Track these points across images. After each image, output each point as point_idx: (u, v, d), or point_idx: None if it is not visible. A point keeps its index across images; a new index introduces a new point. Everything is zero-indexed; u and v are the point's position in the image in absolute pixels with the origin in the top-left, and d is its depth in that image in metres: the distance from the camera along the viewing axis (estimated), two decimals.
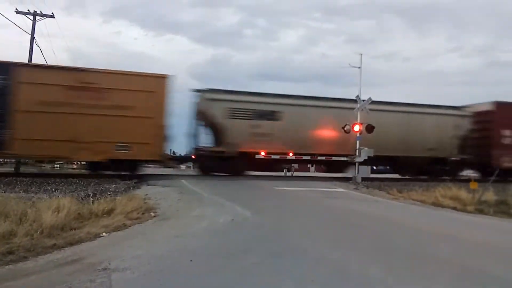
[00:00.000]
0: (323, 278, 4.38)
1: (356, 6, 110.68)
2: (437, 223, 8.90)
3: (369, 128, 18.63)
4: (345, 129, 18.71)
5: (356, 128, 18.47)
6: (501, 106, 22.77)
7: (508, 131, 22.76)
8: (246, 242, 6.20)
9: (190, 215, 8.63)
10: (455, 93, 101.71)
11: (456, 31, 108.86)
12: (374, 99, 19.10)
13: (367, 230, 7.56)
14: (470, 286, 4.32)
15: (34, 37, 24.52)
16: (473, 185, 12.57)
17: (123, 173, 16.88)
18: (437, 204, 11.75)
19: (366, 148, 18.44)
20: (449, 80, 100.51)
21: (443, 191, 12.88)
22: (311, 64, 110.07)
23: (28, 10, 24.73)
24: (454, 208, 11.08)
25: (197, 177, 18.57)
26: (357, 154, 18.48)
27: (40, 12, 25.02)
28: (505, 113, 22.60)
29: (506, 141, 22.67)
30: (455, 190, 12.81)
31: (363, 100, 18.84)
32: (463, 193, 12.41)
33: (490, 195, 12.28)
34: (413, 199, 12.83)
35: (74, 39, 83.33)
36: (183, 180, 15.67)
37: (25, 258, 4.99)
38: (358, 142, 18.62)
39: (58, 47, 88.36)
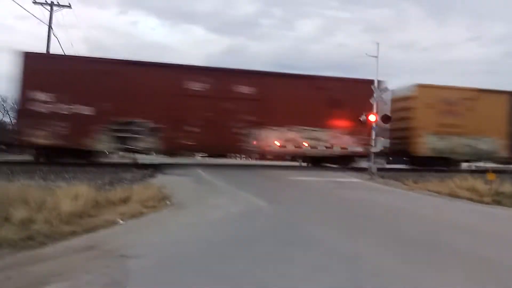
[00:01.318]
0: (336, 267, 4.39)
1: None
2: (453, 214, 8.80)
3: (385, 118, 18.42)
4: (361, 119, 18.53)
5: (372, 118, 18.27)
6: (30, 58, 16.35)
7: (42, 94, 16.42)
8: (259, 231, 6.24)
9: (205, 204, 8.71)
10: (475, 83, 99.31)
11: (476, 20, 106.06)
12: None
13: (381, 221, 7.53)
14: (487, 277, 4.27)
15: (52, 28, 24.85)
16: (491, 176, 12.36)
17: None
18: (453, 195, 11.59)
19: (382, 138, 18.25)
20: (468, 70, 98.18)
21: (459, 182, 12.69)
22: (328, 54, 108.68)
23: (46, 1, 25.01)
24: (471, 199, 10.91)
25: (211, 166, 18.68)
26: (372, 144, 18.31)
27: (58, 2, 25.30)
28: (38, 66, 16.38)
29: (41, 107, 16.39)
30: (471, 181, 12.62)
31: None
32: (479, 184, 12.21)
33: (507, 186, 12.06)
34: (429, 190, 12.67)
35: (92, 30, 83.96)
36: (199, 170, 15.79)
37: (44, 244, 5.12)
38: (374, 132, 18.44)
39: (76, 38, 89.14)
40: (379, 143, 18.16)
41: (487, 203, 10.38)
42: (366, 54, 19.33)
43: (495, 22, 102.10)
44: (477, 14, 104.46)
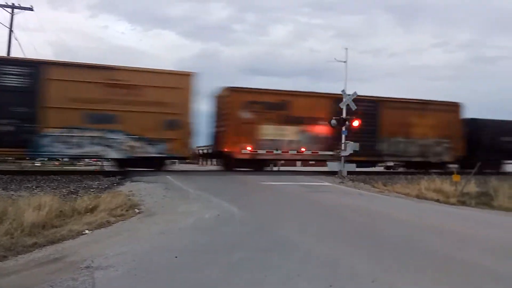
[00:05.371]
0: (311, 272, 4.35)
1: (345, 1, 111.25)
2: (421, 215, 8.98)
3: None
4: (331, 123, 18.74)
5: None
6: None
7: None
8: (232, 237, 6.13)
9: (176, 211, 8.52)
10: (441, 87, 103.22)
11: (442, 27, 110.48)
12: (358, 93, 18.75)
13: (353, 223, 7.59)
14: (456, 276, 4.34)
15: (12, 31, 23.93)
16: (456, 178, 12.75)
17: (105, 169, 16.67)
18: (421, 197, 11.89)
19: (351, 142, 18.51)
20: (435, 75, 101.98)
21: (427, 183, 13.04)
22: (300, 59, 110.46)
23: (6, 3, 24.10)
24: (437, 201, 11.23)
25: (182, 173, 18.41)
26: (343, 148, 18.55)
27: (19, 4, 24.42)
28: None
29: None
30: (438, 182, 12.99)
31: (349, 94, 18.86)
32: (446, 186, 12.58)
33: (472, 187, 12.48)
34: (397, 192, 12.95)
35: (60, 34, 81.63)
36: (168, 176, 15.49)
37: (4, 257, 4.86)
38: (344, 136, 18.69)
39: (42, 41, 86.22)
40: (350, 147, 18.41)
41: (453, 204, 10.70)
42: (335, 59, 19.68)
43: (460, 29, 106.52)
44: (443, 21, 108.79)
